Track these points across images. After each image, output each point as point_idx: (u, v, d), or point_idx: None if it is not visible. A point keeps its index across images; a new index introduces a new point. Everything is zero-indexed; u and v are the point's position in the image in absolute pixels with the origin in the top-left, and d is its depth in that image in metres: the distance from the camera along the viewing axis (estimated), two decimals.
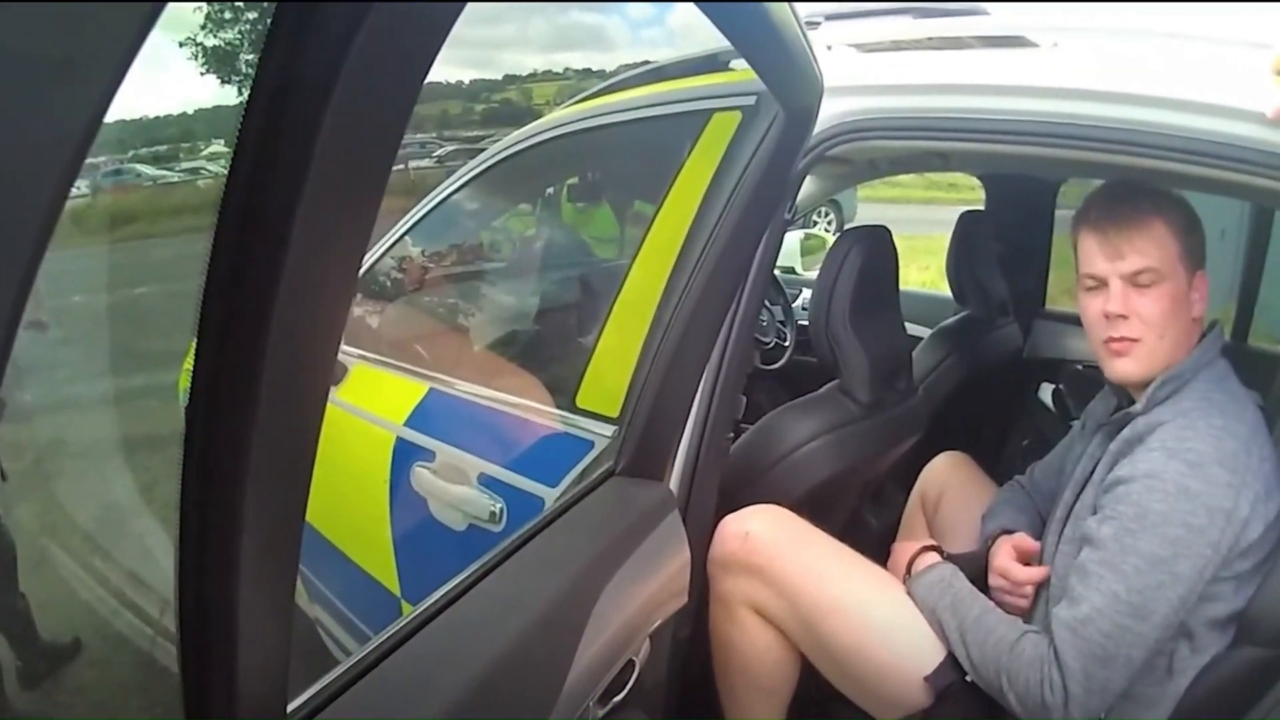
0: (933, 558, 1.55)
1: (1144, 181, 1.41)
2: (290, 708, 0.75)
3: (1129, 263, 1.36)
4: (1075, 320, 2.56)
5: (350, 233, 0.56)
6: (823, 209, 8.91)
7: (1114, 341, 1.39)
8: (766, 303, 2.67)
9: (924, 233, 5.95)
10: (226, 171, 0.50)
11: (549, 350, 2.18)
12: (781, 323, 2.81)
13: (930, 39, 1.69)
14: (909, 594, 1.50)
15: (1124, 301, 1.37)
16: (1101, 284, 1.39)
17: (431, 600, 1.05)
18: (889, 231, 1.85)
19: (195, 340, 0.53)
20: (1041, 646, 1.35)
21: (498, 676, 0.96)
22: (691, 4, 0.82)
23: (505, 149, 2.17)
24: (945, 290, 2.59)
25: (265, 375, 0.52)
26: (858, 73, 1.56)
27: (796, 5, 1.03)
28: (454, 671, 0.93)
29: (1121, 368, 1.39)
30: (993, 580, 1.54)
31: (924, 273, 5.45)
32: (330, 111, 0.48)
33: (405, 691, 0.90)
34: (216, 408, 0.54)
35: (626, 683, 1.28)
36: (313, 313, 0.54)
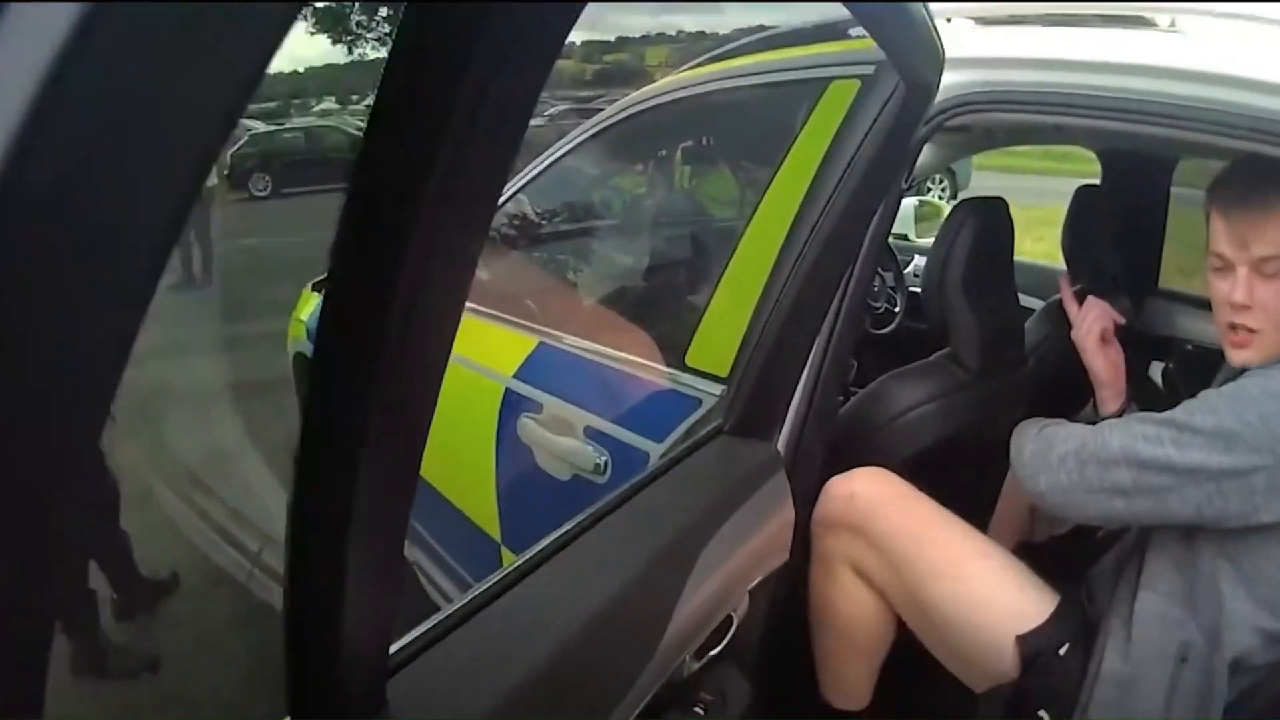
0: None
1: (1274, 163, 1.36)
2: (391, 650, 0.78)
3: (1255, 251, 1.33)
4: (1187, 300, 2.51)
5: (482, 198, 0.57)
6: (937, 176, 8.80)
7: (1235, 330, 1.37)
8: (879, 269, 2.64)
9: (1038, 203, 5.80)
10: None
11: (659, 307, 2.19)
12: (892, 289, 2.80)
13: (1049, 15, 1.65)
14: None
15: (1248, 290, 1.34)
16: (1228, 267, 1.36)
17: (535, 550, 1.07)
18: (1006, 204, 1.82)
19: (314, 291, 0.55)
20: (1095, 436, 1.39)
21: (597, 628, 0.98)
22: None
23: (622, 111, 2.18)
24: (1058, 262, 2.54)
25: (390, 336, 0.53)
26: (977, 46, 1.54)
27: None
28: (554, 621, 0.96)
29: (1241, 358, 1.38)
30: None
31: (1038, 244, 5.30)
32: (464, 85, 0.49)
33: (506, 639, 0.92)
34: (339, 365, 0.56)
35: (723, 638, 1.30)
36: (439, 278, 0.55)
